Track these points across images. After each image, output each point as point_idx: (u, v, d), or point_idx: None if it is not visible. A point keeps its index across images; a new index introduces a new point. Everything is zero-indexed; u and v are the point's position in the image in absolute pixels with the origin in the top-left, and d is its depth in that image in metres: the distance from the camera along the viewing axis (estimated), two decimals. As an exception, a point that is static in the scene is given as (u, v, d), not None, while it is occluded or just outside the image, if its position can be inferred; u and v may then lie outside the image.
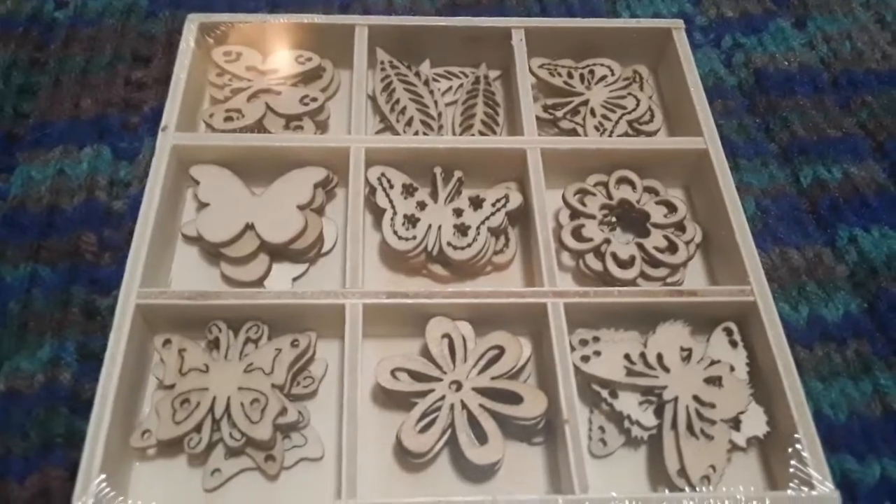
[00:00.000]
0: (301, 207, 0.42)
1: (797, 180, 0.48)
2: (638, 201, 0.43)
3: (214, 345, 0.37)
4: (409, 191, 0.43)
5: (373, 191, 0.43)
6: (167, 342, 0.37)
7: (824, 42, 0.56)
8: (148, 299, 0.37)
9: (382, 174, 0.43)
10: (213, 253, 0.41)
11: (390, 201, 0.43)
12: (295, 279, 0.42)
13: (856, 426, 0.39)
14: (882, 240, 0.45)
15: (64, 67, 0.51)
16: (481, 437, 0.35)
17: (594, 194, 0.43)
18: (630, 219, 0.44)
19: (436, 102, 0.48)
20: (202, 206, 0.42)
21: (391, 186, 0.43)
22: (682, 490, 0.34)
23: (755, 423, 0.36)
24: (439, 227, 0.42)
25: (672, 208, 0.43)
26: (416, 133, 0.46)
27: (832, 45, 0.56)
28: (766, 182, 0.47)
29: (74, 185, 0.46)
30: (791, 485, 0.34)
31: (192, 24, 0.48)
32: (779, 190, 0.47)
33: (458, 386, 0.36)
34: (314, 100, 0.47)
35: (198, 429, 0.34)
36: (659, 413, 0.36)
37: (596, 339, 0.38)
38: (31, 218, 0.44)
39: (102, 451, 0.33)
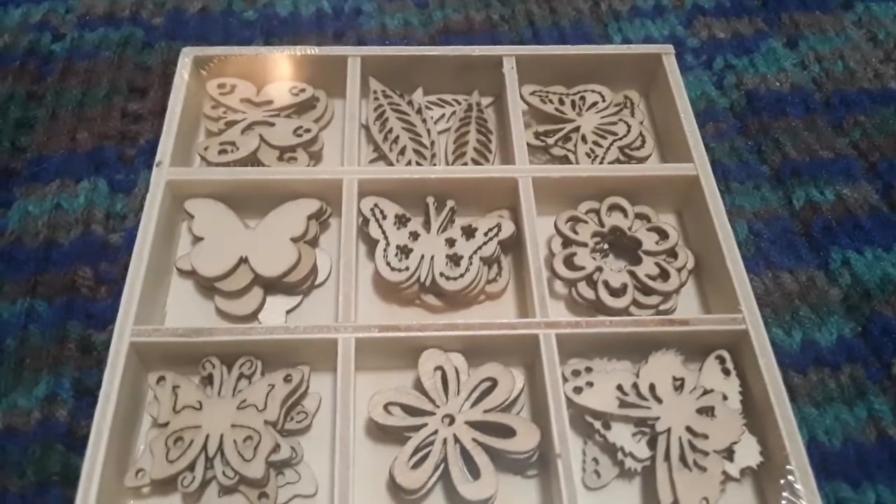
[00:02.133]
0: (294, 240, 0.42)
1: (790, 202, 0.48)
2: (629, 228, 0.43)
3: (208, 381, 0.37)
4: (401, 221, 0.43)
5: (366, 222, 0.43)
6: (161, 379, 0.37)
7: (816, 62, 0.56)
8: (142, 337, 0.37)
9: (375, 205, 0.44)
10: (207, 287, 0.42)
11: (383, 232, 0.43)
12: (289, 311, 0.42)
13: (850, 453, 0.38)
14: (875, 262, 0.45)
15: (61, 100, 0.52)
16: (474, 472, 0.35)
17: (586, 222, 0.44)
18: (622, 245, 0.44)
19: (428, 131, 0.48)
20: (196, 239, 0.42)
21: (384, 217, 0.43)
22: (675, 522, 0.34)
23: (748, 453, 0.36)
24: (432, 258, 0.42)
25: (664, 235, 0.43)
26: (409, 162, 0.47)
27: (824, 64, 0.56)
28: (758, 205, 0.48)
29: (71, 220, 0.46)
30: (784, 516, 0.34)
31: (186, 58, 0.48)
32: (771, 213, 0.47)
33: (451, 420, 0.36)
34: (308, 131, 0.47)
35: (191, 467, 0.34)
36: (652, 444, 0.36)
37: (589, 369, 0.38)
38: (28, 253, 0.44)
39: (97, 491, 0.33)
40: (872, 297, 0.44)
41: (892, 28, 0.59)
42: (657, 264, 0.42)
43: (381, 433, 0.37)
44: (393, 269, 0.42)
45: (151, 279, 0.40)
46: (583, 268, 0.42)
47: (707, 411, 0.36)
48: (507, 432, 0.36)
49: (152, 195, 0.42)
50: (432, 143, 0.48)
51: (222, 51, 0.49)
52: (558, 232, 0.43)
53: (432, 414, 0.37)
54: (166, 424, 0.36)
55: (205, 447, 0.35)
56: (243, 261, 0.41)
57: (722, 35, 0.58)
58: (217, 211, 0.43)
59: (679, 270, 0.42)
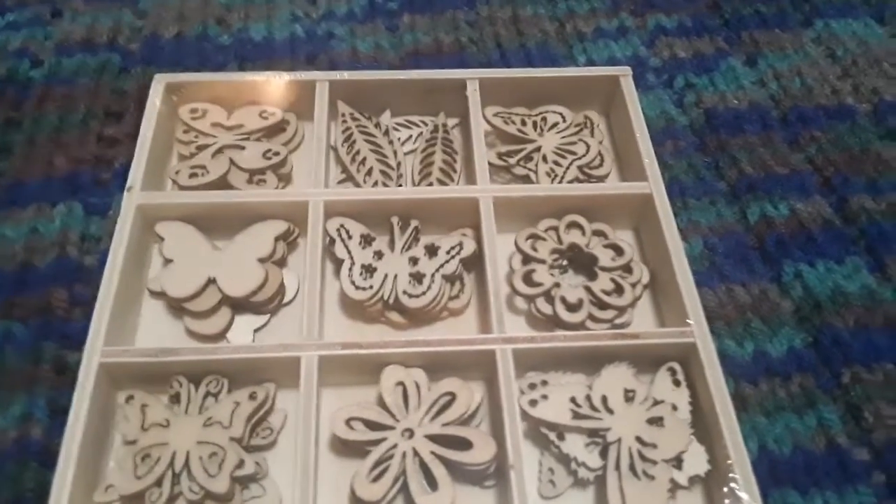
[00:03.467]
0: (262, 260, 0.44)
1: (745, 217, 0.49)
2: (587, 245, 0.45)
3: (176, 399, 0.38)
4: (366, 241, 0.45)
5: (332, 242, 0.45)
6: (130, 398, 0.38)
7: (774, 79, 0.58)
8: (111, 357, 0.38)
9: (341, 225, 0.45)
10: (176, 307, 0.43)
11: (348, 252, 0.44)
12: (257, 330, 0.43)
13: (799, 460, 0.40)
14: (827, 274, 0.46)
15: (38, 126, 0.53)
16: (432, 484, 0.36)
17: (545, 239, 0.45)
18: (580, 262, 0.45)
19: (395, 152, 0.50)
20: (167, 261, 0.44)
21: (349, 237, 0.45)
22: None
23: (697, 461, 0.37)
24: (395, 276, 0.43)
25: (619, 251, 0.44)
26: (376, 183, 0.48)
27: (782, 81, 0.58)
28: (713, 220, 0.49)
29: (47, 243, 0.47)
30: (729, 523, 0.35)
31: (158, 85, 0.50)
32: (726, 228, 0.49)
33: (411, 433, 0.38)
34: (276, 154, 0.48)
35: (158, 483, 0.36)
36: (604, 454, 0.37)
37: (544, 382, 0.39)
38: (5, 276, 0.46)
39: (66, 507, 0.34)
40: (823, 309, 0.45)
41: (851, 44, 0.60)
42: (612, 280, 0.43)
43: (344, 447, 0.39)
44: (357, 287, 0.43)
45: (122, 301, 0.41)
46: (541, 284, 0.43)
47: (656, 421, 0.38)
48: (465, 445, 0.37)
49: (122, 219, 0.43)
50: (399, 164, 0.50)
51: (194, 77, 0.51)
52: (518, 249, 0.45)
53: (393, 428, 0.38)
54: (135, 442, 0.37)
55: (171, 463, 0.36)
56: (211, 282, 0.43)
57: (683, 54, 0.59)
58: (186, 233, 0.45)
59: (633, 285, 0.43)
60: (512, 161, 0.49)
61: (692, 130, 0.54)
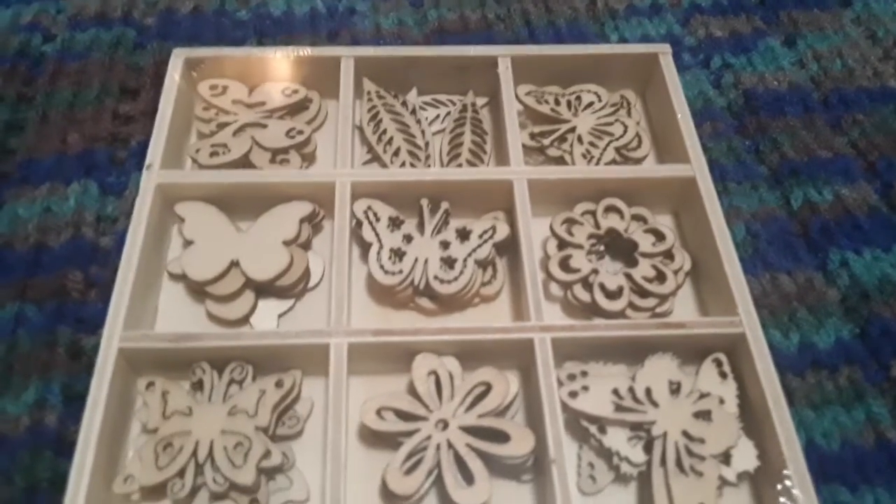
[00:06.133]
0: (287, 243, 0.42)
1: (788, 203, 0.47)
2: (626, 230, 0.43)
3: (198, 386, 0.37)
4: (395, 224, 0.43)
5: (359, 224, 0.43)
6: (150, 385, 0.37)
7: (814, 60, 0.56)
8: (130, 342, 0.36)
9: (369, 207, 0.43)
10: (198, 291, 0.41)
11: (377, 235, 0.42)
12: (281, 315, 0.42)
13: (849, 456, 0.38)
14: (874, 263, 0.44)
15: (51, 102, 0.52)
16: (468, 478, 0.35)
17: (582, 224, 0.43)
18: (618, 247, 0.43)
19: (423, 132, 0.48)
20: (187, 243, 0.42)
21: (377, 220, 0.43)
22: (672, 528, 0.33)
23: (745, 457, 0.36)
24: (426, 261, 0.42)
25: (660, 237, 0.42)
26: (403, 163, 0.46)
27: (822, 63, 0.55)
28: (756, 205, 0.47)
29: (61, 223, 0.45)
30: (782, 521, 0.33)
31: (177, 59, 0.48)
32: (769, 213, 0.47)
33: (445, 425, 0.36)
34: (300, 132, 0.46)
35: (181, 474, 0.34)
36: (648, 449, 0.36)
37: (584, 373, 0.38)
38: (18, 257, 0.44)
39: (84, 498, 0.32)
40: (871, 299, 0.43)
41: (892, 26, 0.58)
42: (653, 266, 0.41)
43: (374, 438, 0.37)
44: (387, 272, 0.41)
45: (141, 283, 0.39)
46: (578, 270, 0.41)
47: (703, 415, 0.36)
48: (502, 437, 0.35)
49: (142, 199, 0.41)
50: (427, 144, 0.48)
51: (214, 52, 0.49)
52: (554, 234, 0.43)
53: (426, 419, 0.36)
54: (156, 430, 0.35)
55: (195, 453, 0.34)
56: (234, 264, 0.41)
57: (719, 34, 0.57)
58: (208, 214, 0.43)
59: (676, 272, 0.41)
60: (546, 142, 0.47)
61: (731, 112, 0.52)
